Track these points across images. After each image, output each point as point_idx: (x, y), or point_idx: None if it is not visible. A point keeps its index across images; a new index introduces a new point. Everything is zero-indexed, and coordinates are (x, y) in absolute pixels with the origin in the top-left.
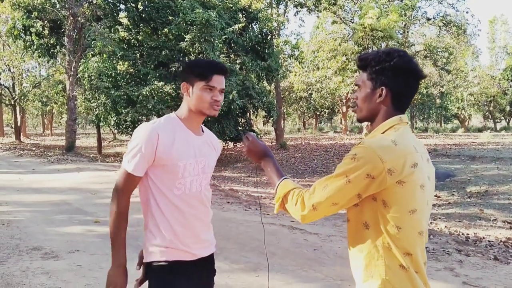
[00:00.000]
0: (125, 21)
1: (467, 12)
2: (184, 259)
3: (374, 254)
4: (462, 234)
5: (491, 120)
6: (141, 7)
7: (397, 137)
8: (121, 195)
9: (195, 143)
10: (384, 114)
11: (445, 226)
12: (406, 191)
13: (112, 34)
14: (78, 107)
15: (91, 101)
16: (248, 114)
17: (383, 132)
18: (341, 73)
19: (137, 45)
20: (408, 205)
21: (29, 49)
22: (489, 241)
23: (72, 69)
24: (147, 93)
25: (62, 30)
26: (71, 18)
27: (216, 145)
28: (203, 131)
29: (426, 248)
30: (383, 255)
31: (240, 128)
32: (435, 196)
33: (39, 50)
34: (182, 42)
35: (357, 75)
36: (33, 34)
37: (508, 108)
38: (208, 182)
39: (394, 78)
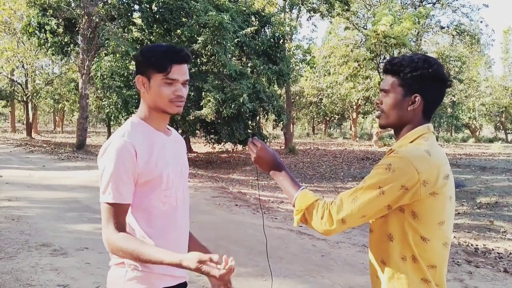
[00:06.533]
0: (138, 21)
1: (481, 22)
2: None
3: (397, 267)
4: (471, 245)
5: (503, 131)
6: (155, 8)
7: (430, 147)
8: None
9: (170, 146)
10: (414, 122)
11: (454, 237)
12: (437, 203)
13: (126, 34)
14: (90, 106)
15: (103, 100)
16: (258, 117)
17: (411, 141)
18: (352, 79)
19: None
20: (438, 217)
21: (43, 46)
22: (498, 253)
23: (85, 67)
24: None
25: (77, 29)
26: (86, 17)
27: (182, 140)
28: (168, 129)
29: None
30: (406, 268)
31: (250, 131)
32: None
33: (53, 48)
34: (194, 44)
35: (368, 81)
36: (47, 31)
37: None
38: (188, 188)
39: (430, 86)
